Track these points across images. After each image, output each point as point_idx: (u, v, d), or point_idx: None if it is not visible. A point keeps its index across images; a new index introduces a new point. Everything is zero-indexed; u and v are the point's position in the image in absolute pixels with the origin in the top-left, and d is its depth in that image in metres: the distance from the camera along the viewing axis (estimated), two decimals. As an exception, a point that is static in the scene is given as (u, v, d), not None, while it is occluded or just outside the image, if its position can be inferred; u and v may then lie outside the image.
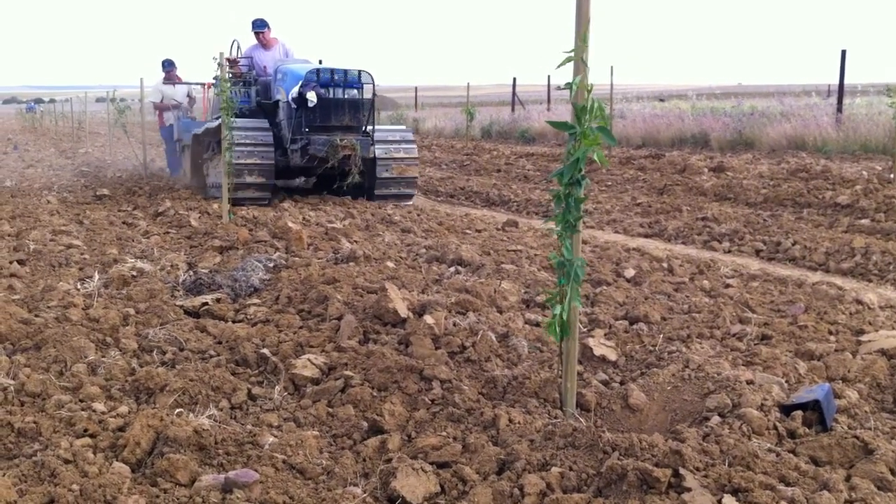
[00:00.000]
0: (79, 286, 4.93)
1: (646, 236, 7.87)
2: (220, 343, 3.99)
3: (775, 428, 2.82)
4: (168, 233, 7.39)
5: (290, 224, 6.93)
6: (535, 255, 6.16)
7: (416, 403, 3.15)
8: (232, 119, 7.86)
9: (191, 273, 5.38)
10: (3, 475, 2.42)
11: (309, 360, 3.55)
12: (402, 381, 3.29)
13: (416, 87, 38.56)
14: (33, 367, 3.44)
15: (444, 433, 2.86)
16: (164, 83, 12.24)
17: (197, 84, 11.78)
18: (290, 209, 8.81)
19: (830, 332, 4.12)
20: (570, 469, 2.52)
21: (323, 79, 9.03)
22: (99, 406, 3.06)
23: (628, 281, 5.32)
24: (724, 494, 2.31)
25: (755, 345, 3.89)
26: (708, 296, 4.95)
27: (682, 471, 2.38)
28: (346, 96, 9.18)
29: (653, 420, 3.04)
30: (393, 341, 3.83)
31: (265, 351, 3.70)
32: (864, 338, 3.97)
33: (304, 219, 8.03)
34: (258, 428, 2.91)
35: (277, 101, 9.67)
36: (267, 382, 3.48)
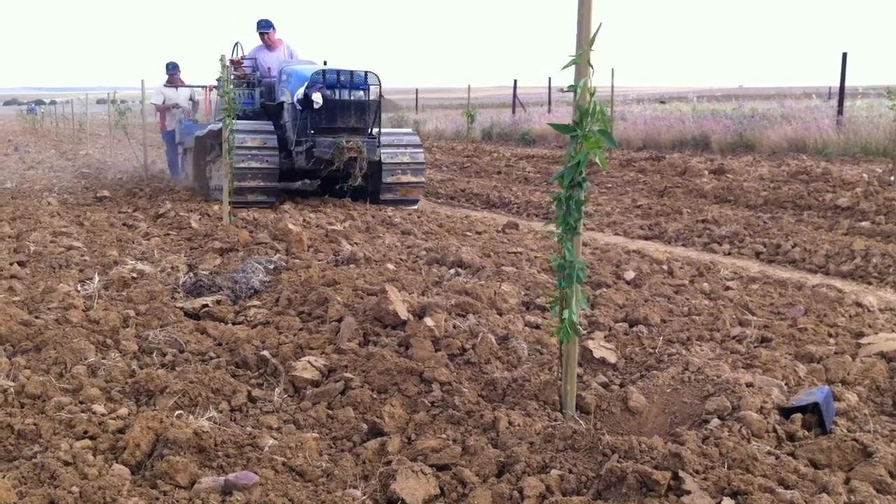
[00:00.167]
0: (79, 288, 4.93)
1: (646, 238, 7.87)
2: (220, 345, 3.99)
3: (775, 431, 2.82)
4: (168, 234, 7.38)
5: (290, 226, 6.93)
6: (536, 257, 6.16)
7: (416, 406, 3.15)
8: (234, 121, 7.77)
9: (191, 275, 5.38)
10: (3, 477, 2.42)
11: (309, 362, 3.55)
12: (402, 384, 3.30)
13: (416, 89, 38.64)
14: (33, 369, 3.43)
15: (444, 435, 2.86)
16: (165, 86, 12.24)
17: (199, 87, 11.77)
18: (291, 211, 8.80)
19: (830, 335, 4.12)
20: (570, 471, 2.52)
21: (329, 80, 8.89)
22: (99, 408, 3.06)
23: (628, 283, 5.32)
24: (724, 497, 2.31)
25: (755, 347, 3.90)
26: (708, 298, 4.95)
27: (681, 473, 2.38)
28: (352, 98, 9.04)
29: (652, 422, 3.04)
30: (393, 343, 3.83)
31: (265, 353, 3.70)
32: (863, 340, 3.97)
33: (304, 221, 8.02)
34: (258, 430, 2.91)
35: (282, 103, 9.53)
36: (267, 384, 3.48)
